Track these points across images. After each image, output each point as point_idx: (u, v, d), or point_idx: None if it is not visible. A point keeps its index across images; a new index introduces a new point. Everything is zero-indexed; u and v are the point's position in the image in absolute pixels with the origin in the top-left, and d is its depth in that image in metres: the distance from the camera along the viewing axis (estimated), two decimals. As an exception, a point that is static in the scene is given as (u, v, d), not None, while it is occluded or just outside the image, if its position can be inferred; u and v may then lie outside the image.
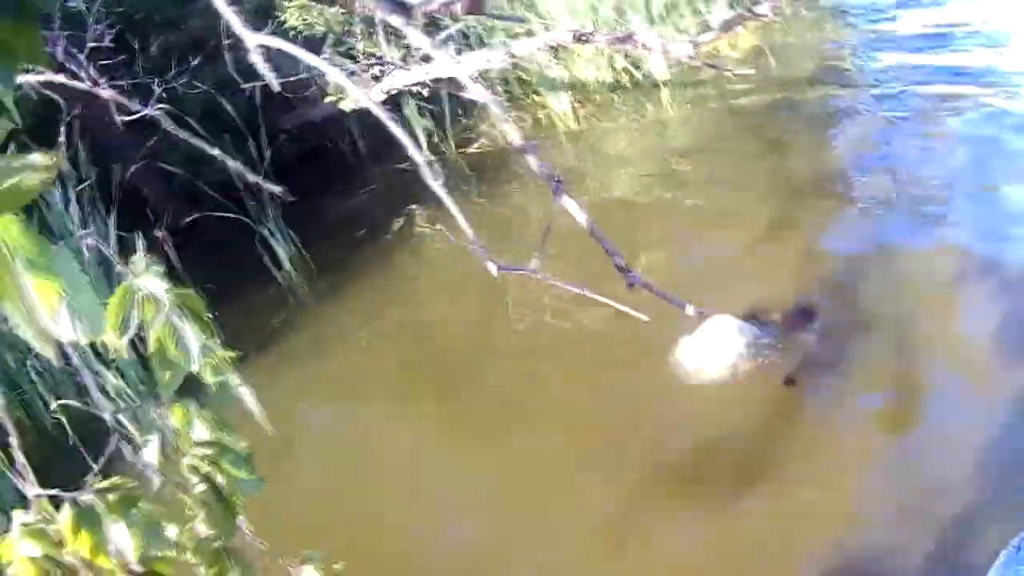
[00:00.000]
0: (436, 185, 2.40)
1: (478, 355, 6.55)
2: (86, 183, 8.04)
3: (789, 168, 7.54)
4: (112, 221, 7.99)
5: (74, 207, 7.90)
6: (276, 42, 2.31)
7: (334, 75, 2.32)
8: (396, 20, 2.34)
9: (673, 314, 2.57)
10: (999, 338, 5.21)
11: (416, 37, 2.23)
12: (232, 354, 1.87)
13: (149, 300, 1.68)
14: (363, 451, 6.03)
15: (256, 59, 2.29)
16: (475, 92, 2.23)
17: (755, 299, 5.93)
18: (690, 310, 2.40)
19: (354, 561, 2.45)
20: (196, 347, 1.75)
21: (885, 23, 10.26)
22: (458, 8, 2.10)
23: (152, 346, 1.67)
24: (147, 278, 1.68)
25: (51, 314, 1.20)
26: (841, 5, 11.12)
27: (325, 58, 8.35)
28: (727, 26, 2.14)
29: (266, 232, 8.42)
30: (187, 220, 8.81)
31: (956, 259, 5.98)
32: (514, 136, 2.30)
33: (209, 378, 1.81)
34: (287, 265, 8.39)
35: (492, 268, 2.45)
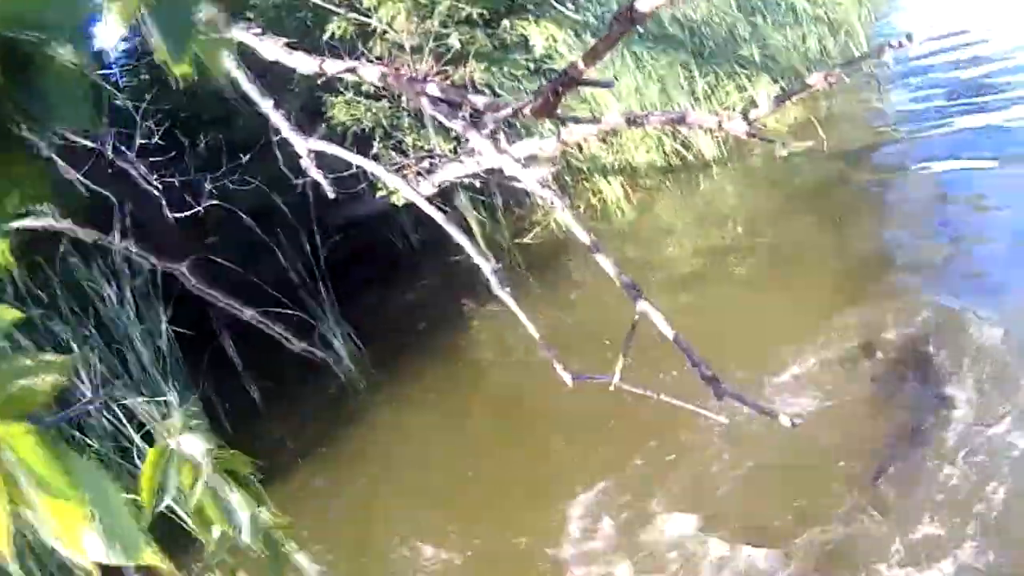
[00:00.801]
0: (503, 293, 2.34)
1: (530, 455, 6.43)
2: (139, 278, 8.08)
3: (849, 244, 7.43)
4: (165, 317, 8.02)
5: (129, 303, 7.92)
6: (327, 147, 2.28)
7: (383, 174, 2.28)
8: (443, 114, 2.30)
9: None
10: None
11: (472, 136, 2.18)
12: (286, 522, 1.76)
13: (187, 464, 1.50)
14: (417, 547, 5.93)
15: (307, 164, 2.26)
16: (541, 192, 2.18)
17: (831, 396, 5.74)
18: (784, 420, 2.30)
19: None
20: (245, 517, 1.60)
21: (929, 89, 10.25)
22: (527, 111, 2.05)
23: (192, 516, 1.54)
24: (186, 438, 1.52)
25: (74, 539, 1.05)
26: (884, 71, 11.10)
27: (374, 154, 8.45)
28: (781, 99, 2.10)
29: (324, 329, 8.43)
30: (245, 316, 8.82)
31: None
32: (584, 237, 2.24)
33: (260, 547, 1.68)
34: (346, 361, 8.37)
35: (567, 378, 2.37)
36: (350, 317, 8.60)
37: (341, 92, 9.60)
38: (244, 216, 8.44)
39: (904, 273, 6.90)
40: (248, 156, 8.25)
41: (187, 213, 7.51)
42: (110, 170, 7.94)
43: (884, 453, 5.11)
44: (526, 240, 9.82)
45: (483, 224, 9.66)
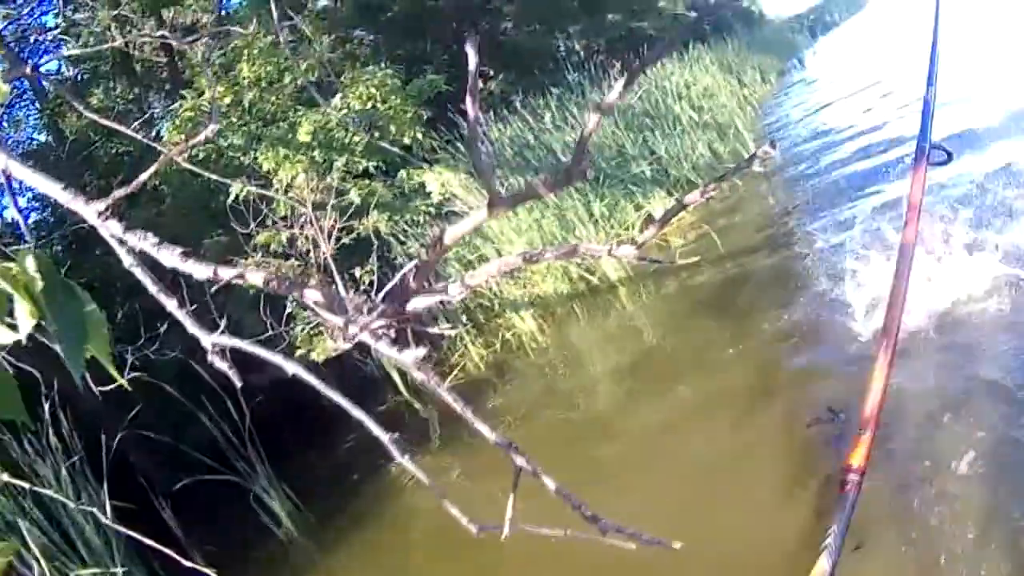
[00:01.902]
0: (404, 460, 2.49)
1: None
2: (75, 458, 8.08)
3: (753, 337, 7.60)
4: (104, 492, 8.01)
5: (66, 480, 7.92)
6: (229, 341, 2.43)
7: (291, 368, 2.45)
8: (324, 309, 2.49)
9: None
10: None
11: (351, 330, 2.38)
12: None
13: None
14: None
15: (212, 357, 2.39)
16: (419, 374, 2.36)
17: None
18: (676, 544, 2.50)
19: None
20: None
21: (817, 178, 10.69)
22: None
23: None
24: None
25: None
26: (774, 166, 11.55)
27: (289, 313, 8.56)
28: (664, 220, 2.27)
29: (259, 490, 8.47)
30: (177, 485, 8.84)
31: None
32: (456, 405, 2.42)
33: None
34: (285, 522, 8.41)
35: (473, 529, 2.54)
36: (285, 476, 8.64)
37: (250, 254, 9.76)
38: (166, 387, 8.50)
39: (806, 352, 7.05)
40: (165, 325, 8.33)
41: (111, 387, 7.55)
42: (31, 345, 7.99)
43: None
44: (447, 383, 9.93)
45: (403, 373, 9.78)
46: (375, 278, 8.90)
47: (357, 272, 9.58)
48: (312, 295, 2.36)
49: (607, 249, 2.52)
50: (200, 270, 2.35)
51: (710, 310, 8.51)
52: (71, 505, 7.68)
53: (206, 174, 7.49)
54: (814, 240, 8.76)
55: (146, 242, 2.37)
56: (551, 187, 2.05)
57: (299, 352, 8.79)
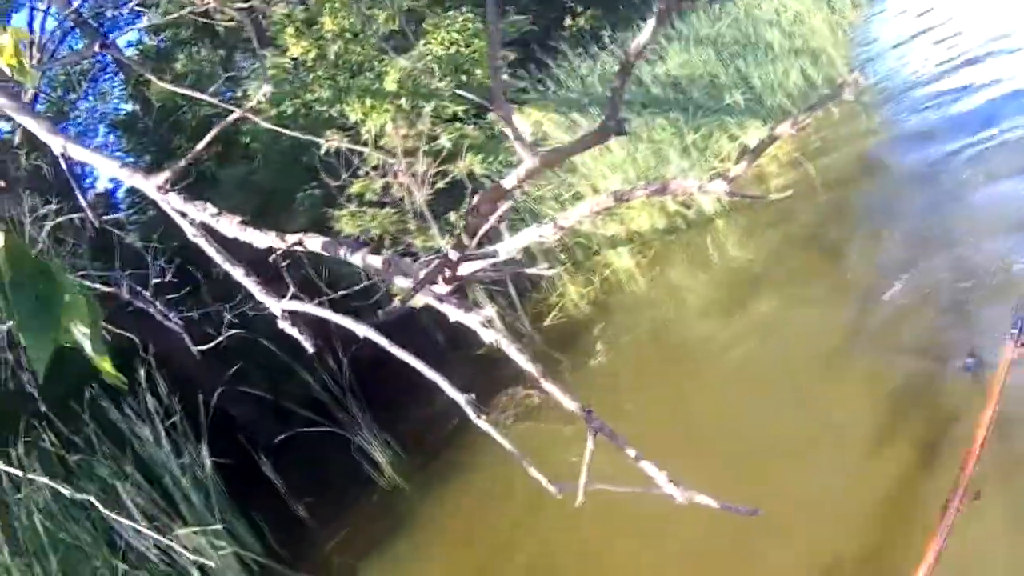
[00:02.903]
0: (481, 422, 2.44)
1: (577, 550, 6.34)
2: (173, 418, 8.16)
3: (851, 272, 7.37)
4: (204, 449, 8.10)
5: (163, 440, 8.01)
6: (299, 306, 2.37)
7: (362, 331, 2.38)
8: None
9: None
10: None
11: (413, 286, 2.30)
12: None
13: None
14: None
15: (283, 323, 2.34)
16: (484, 333, 2.27)
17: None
18: (757, 512, 2.40)
19: None
20: None
21: (914, 109, 10.28)
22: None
23: None
24: None
25: None
26: (866, 95, 11.18)
27: (379, 299, 8.49)
28: (754, 155, 2.16)
29: (360, 440, 8.48)
30: (278, 438, 8.90)
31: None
32: (532, 369, 2.33)
33: None
34: (387, 470, 8.41)
35: (553, 490, 2.46)
36: (386, 425, 8.64)
37: (345, 205, 9.74)
38: (264, 342, 8.52)
39: (913, 300, 6.77)
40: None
41: (210, 345, 7.61)
42: (129, 310, 8.08)
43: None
44: (546, 323, 9.88)
45: (501, 314, 9.76)
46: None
47: (452, 216, 9.51)
48: (372, 260, 2.28)
49: (698, 185, 2.41)
50: (259, 238, 2.30)
51: (808, 244, 8.29)
52: (172, 465, 7.79)
53: (288, 132, 7.42)
54: (912, 173, 8.46)
55: (205, 213, 2.33)
56: (587, 145, 1.92)
57: (397, 299, 8.76)
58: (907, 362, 5.72)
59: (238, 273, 2.39)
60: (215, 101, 6.60)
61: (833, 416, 5.61)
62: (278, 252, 2.33)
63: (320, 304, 2.45)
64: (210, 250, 2.38)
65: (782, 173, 10.05)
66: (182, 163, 2.37)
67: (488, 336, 2.31)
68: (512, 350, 2.36)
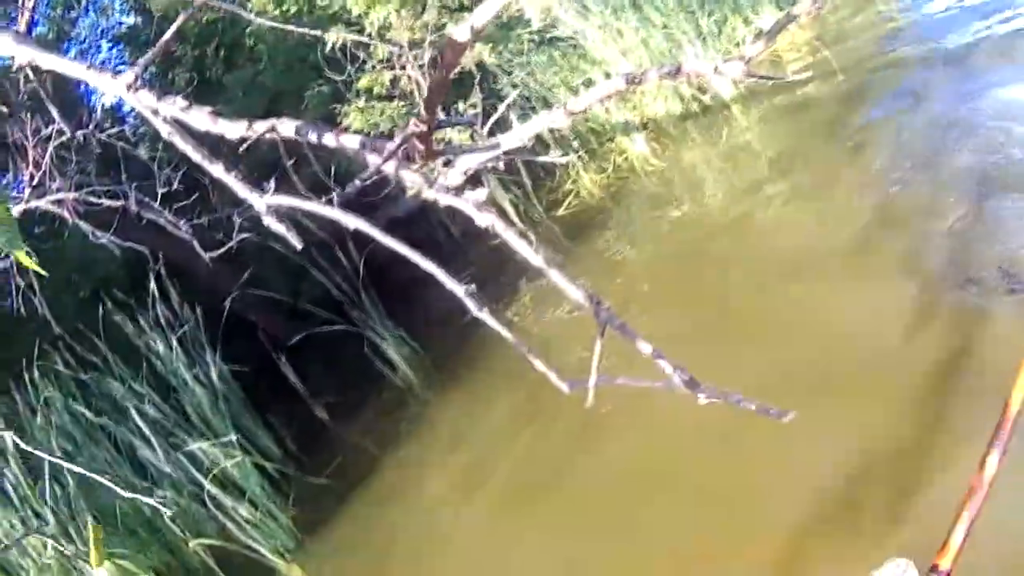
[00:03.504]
0: (483, 315, 2.39)
1: (594, 444, 6.25)
2: (185, 327, 8.15)
3: (872, 158, 7.21)
4: (217, 358, 8.09)
5: (177, 351, 8.01)
6: (284, 200, 2.28)
7: (352, 222, 2.30)
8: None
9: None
10: None
11: (404, 174, 2.21)
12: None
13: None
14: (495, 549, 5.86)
15: (268, 220, 2.26)
16: (480, 217, 2.19)
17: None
18: (778, 415, 2.28)
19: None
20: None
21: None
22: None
23: None
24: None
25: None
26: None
27: (390, 190, 8.39)
28: (771, 35, 2.07)
29: (375, 337, 8.44)
30: (294, 339, 8.89)
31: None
32: (534, 259, 2.25)
33: None
34: (402, 367, 8.37)
35: (564, 387, 2.38)
36: (401, 321, 8.59)
37: (353, 100, 9.59)
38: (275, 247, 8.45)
39: (934, 187, 6.58)
40: (272, 183, 8.22)
41: (221, 251, 7.55)
42: (140, 222, 8.02)
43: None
44: (561, 212, 9.77)
45: (516, 204, 9.63)
46: (479, 111, 8.64)
47: (461, 106, 9.35)
48: (345, 140, 2.21)
49: (713, 67, 2.31)
50: (231, 128, 2.28)
51: (827, 129, 8.11)
52: (187, 376, 7.80)
53: (293, 29, 7.23)
54: (934, 59, 8.21)
55: (175, 108, 2.28)
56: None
57: (411, 192, 8.64)
58: (932, 259, 5.57)
59: (217, 169, 2.33)
60: (217, 3, 6.44)
61: (855, 313, 5.49)
62: (251, 140, 2.31)
63: (329, 202, 2.37)
64: (186, 147, 2.31)
65: (800, 58, 9.79)
66: (149, 56, 2.35)
67: (483, 220, 2.28)
68: (510, 235, 2.28)
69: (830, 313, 5.58)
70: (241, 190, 2.30)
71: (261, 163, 6.75)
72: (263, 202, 2.27)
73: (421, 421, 7.88)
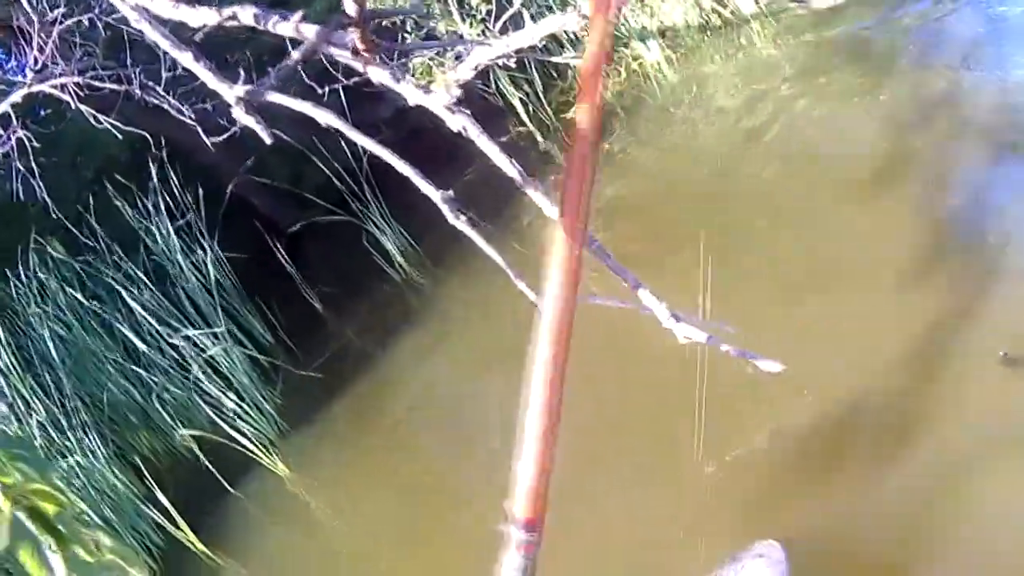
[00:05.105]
0: (459, 223, 2.34)
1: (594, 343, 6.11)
2: (188, 216, 8.10)
3: (893, 91, 7.04)
4: (215, 242, 8.06)
5: (174, 238, 7.97)
6: (256, 92, 2.19)
7: (323, 118, 2.22)
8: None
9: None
10: None
11: (371, 71, 2.12)
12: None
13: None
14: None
15: (238, 113, 2.17)
16: (450, 120, 2.10)
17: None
18: (776, 367, 2.23)
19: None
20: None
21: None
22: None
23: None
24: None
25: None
26: None
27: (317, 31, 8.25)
28: None
29: (374, 229, 8.38)
30: (293, 227, 8.84)
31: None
32: (511, 171, 2.19)
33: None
34: (399, 259, 8.33)
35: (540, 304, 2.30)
36: (400, 215, 8.52)
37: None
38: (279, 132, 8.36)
39: (950, 123, 6.46)
40: (277, 70, 8.09)
41: (224, 136, 7.46)
42: (144, 106, 7.92)
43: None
44: (570, 114, 9.63)
45: (526, 104, 9.52)
46: (492, 6, 8.46)
47: (473, 1, 9.14)
48: (305, 29, 2.14)
49: None
50: (191, 15, 2.24)
51: (849, 57, 7.95)
52: (184, 262, 7.77)
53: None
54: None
55: None
56: None
57: (289, 58, 8.47)
58: (957, 199, 5.58)
59: (186, 59, 2.27)
60: None
61: (868, 245, 5.44)
62: (210, 27, 2.27)
63: (322, 100, 2.30)
64: (155, 35, 2.24)
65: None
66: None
67: (454, 123, 2.24)
68: (483, 140, 2.22)
69: (841, 226, 5.55)
70: (211, 81, 2.22)
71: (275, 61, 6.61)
72: (232, 93, 2.20)
73: (415, 316, 7.87)
